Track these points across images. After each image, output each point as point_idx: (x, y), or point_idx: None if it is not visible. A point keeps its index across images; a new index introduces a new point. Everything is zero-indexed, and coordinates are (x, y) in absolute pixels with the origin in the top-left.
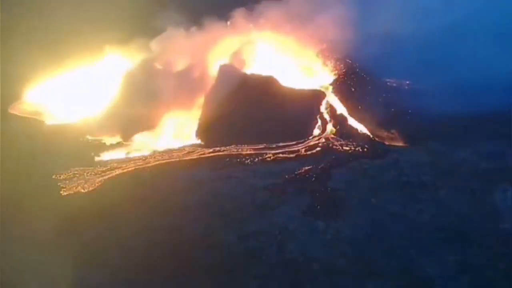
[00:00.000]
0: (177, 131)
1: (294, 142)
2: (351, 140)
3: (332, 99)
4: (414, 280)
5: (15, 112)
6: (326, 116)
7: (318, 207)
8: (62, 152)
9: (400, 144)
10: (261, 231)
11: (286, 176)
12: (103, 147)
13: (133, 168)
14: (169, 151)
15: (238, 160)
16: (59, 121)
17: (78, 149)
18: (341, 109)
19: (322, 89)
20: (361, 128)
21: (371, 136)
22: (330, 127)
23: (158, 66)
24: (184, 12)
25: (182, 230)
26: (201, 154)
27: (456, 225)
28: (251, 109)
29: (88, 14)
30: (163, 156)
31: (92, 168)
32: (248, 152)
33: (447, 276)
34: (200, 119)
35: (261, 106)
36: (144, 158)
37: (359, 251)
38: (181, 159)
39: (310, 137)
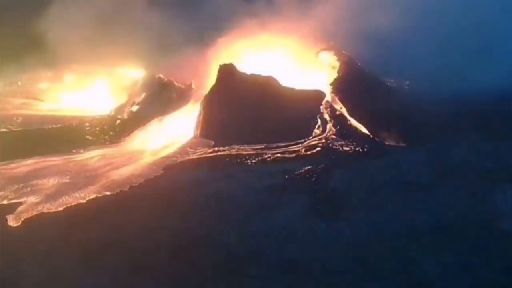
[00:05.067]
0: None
1: (294, 142)
2: (351, 140)
3: (332, 99)
4: (414, 280)
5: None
6: (326, 116)
7: (318, 207)
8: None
9: (400, 144)
10: (261, 231)
11: (286, 176)
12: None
13: (133, 168)
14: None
15: (238, 160)
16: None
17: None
18: (341, 109)
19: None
20: (361, 128)
21: (371, 136)
22: (330, 127)
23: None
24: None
25: (182, 231)
26: (201, 154)
27: (456, 225)
28: (251, 109)
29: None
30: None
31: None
32: (248, 152)
33: (447, 276)
34: (202, 119)
35: (261, 106)
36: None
37: (359, 251)
38: (181, 159)
39: (310, 137)
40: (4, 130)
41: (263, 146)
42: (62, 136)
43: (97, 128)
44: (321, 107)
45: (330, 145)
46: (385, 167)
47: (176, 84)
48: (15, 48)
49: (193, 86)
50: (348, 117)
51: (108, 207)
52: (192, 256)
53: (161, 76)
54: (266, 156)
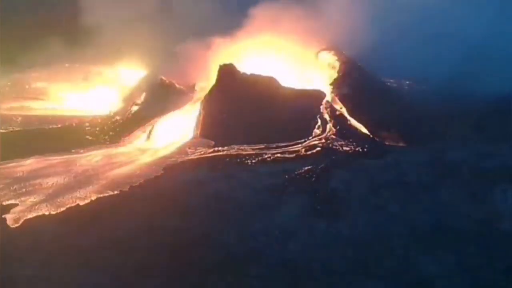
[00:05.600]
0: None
1: (294, 142)
2: (351, 140)
3: (332, 99)
4: (414, 280)
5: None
6: (326, 116)
7: (318, 207)
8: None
9: (400, 144)
10: (261, 231)
11: (286, 176)
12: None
13: (133, 168)
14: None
15: (238, 160)
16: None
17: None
18: (341, 109)
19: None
20: (361, 128)
21: (371, 136)
22: (330, 127)
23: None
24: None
25: (182, 231)
26: (201, 154)
27: (456, 225)
28: (251, 109)
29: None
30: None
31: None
32: (248, 152)
33: (447, 276)
34: (202, 119)
35: (261, 106)
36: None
37: (359, 251)
38: (181, 159)
39: (310, 137)
40: (4, 130)
41: (263, 146)
42: (62, 136)
43: (97, 128)
44: (321, 107)
45: (330, 145)
46: (385, 167)
47: (177, 86)
48: (13, 46)
49: (196, 88)
50: (348, 117)
51: (108, 207)
52: (192, 256)
53: (163, 78)
54: (266, 156)
